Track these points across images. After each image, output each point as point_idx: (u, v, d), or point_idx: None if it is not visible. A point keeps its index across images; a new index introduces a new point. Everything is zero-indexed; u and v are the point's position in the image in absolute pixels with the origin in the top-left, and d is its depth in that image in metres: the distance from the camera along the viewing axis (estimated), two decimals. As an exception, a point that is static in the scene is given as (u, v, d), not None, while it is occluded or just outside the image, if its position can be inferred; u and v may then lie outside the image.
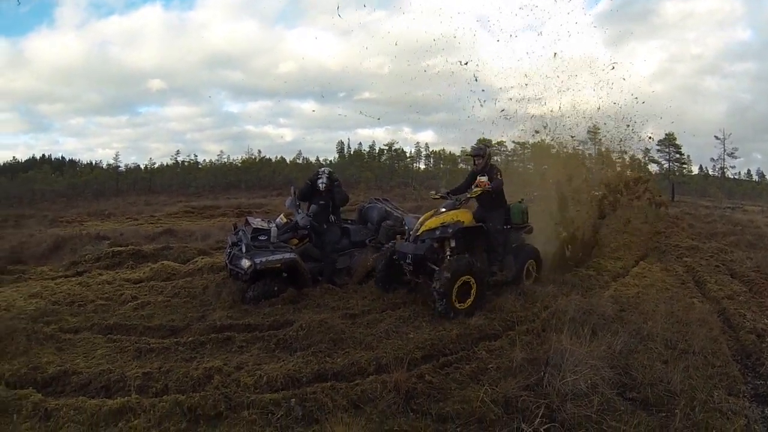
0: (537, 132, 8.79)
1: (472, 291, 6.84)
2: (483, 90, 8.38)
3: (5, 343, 5.90)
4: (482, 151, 8.19)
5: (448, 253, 7.17)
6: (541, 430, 3.71)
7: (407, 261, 7.33)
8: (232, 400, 4.32)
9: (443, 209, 7.46)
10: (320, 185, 8.43)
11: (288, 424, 3.98)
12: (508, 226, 8.11)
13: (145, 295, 8.11)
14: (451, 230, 7.16)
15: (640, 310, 6.70)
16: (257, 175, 57.44)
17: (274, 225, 7.98)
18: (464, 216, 7.46)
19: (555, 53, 8.20)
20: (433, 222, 7.26)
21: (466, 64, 8.09)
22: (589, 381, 4.35)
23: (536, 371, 4.58)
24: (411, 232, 7.52)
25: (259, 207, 25.33)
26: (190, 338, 6.03)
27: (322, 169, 8.87)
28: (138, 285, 8.83)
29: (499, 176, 7.81)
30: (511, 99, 8.49)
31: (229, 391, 4.46)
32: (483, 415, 4.00)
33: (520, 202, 8.33)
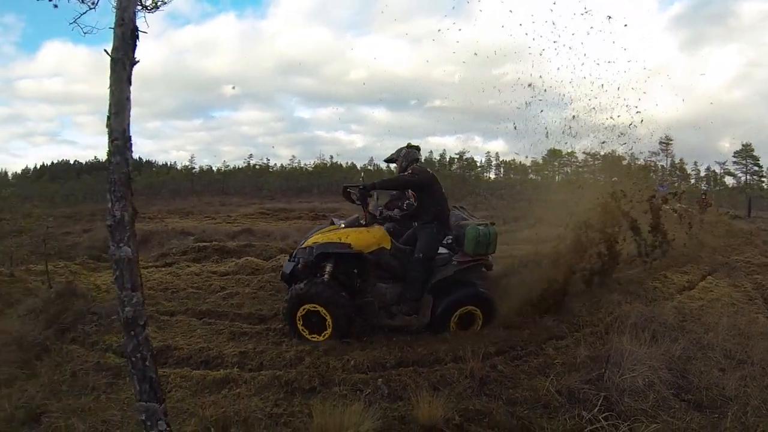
0: (604, 142, 8.47)
1: (327, 322, 6.15)
2: (553, 99, 8.17)
3: (112, 319, 6.70)
4: (395, 155, 7.19)
5: (325, 275, 6.25)
6: (600, 417, 3.99)
7: (280, 279, 7.05)
8: (325, 377, 4.86)
9: (342, 224, 6.89)
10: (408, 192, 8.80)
11: (375, 399, 4.43)
12: (439, 253, 6.61)
13: (233, 286, 8.72)
14: (315, 252, 6.28)
15: (702, 321, 6.70)
16: (329, 180, 58.23)
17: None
18: (364, 236, 6.46)
19: (628, 60, 8.01)
20: (314, 239, 6.52)
21: (530, 86, 8.01)
22: (646, 379, 4.60)
23: (597, 368, 4.85)
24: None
25: (333, 211, 25.98)
26: (278, 325, 6.58)
27: None
28: (225, 277, 9.45)
29: (422, 188, 6.81)
30: (581, 108, 8.11)
31: (321, 370, 4.99)
32: (548, 402, 4.37)
33: (491, 224, 6.71)
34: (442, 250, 6.66)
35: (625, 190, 8.49)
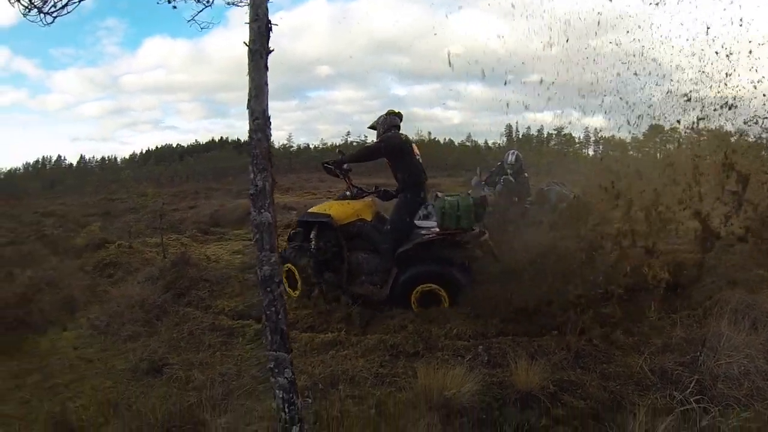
0: (706, 117, 7.67)
1: (297, 281, 6.78)
2: (656, 69, 7.43)
3: (222, 286, 7.31)
4: (375, 123, 6.86)
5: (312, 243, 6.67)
6: (691, 399, 3.91)
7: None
8: (428, 342, 5.07)
9: (341, 198, 7.08)
10: (507, 167, 8.94)
11: (475, 365, 4.57)
12: (402, 225, 6.43)
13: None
14: (297, 220, 7.08)
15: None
16: (427, 157, 57.94)
17: None
18: (345, 208, 6.69)
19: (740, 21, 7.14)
20: (314, 208, 6.99)
21: (634, 55, 7.34)
22: (742, 367, 4.40)
23: (692, 350, 4.71)
24: None
25: (432, 186, 26.04)
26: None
27: (512, 150, 9.34)
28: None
29: (388, 153, 6.56)
30: (687, 80, 7.36)
31: (424, 336, 5.21)
32: (640, 380, 4.36)
33: (466, 195, 6.43)
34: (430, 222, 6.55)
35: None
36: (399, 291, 6.16)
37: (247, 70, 2.79)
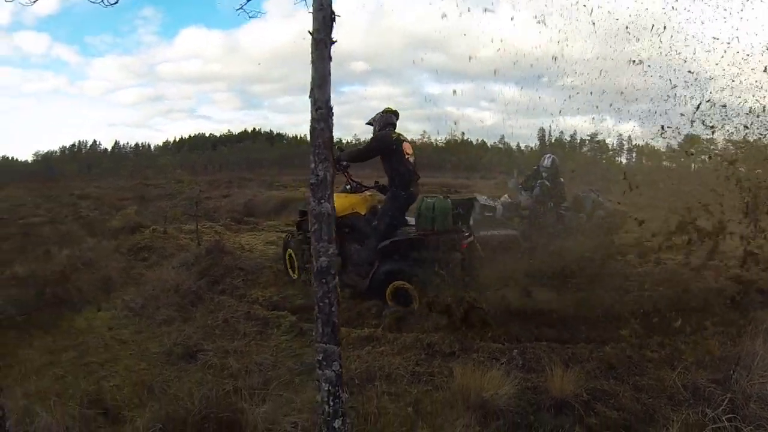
0: (746, 127, 7.27)
1: (296, 265, 7.38)
2: (691, 76, 7.06)
3: (256, 275, 7.36)
4: (373, 119, 7.06)
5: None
6: (723, 418, 3.83)
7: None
8: (463, 343, 5.05)
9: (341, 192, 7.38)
10: (542, 170, 8.91)
11: (510, 369, 4.52)
12: (387, 221, 6.58)
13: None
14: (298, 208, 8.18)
15: None
16: (460, 157, 57.70)
17: (499, 203, 8.68)
18: (341, 201, 6.73)
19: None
20: None
21: (668, 51, 6.93)
22: None
23: (726, 368, 4.60)
24: None
25: (464, 187, 25.90)
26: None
27: (548, 154, 9.30)
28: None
29: (380, 150, 6.74)
30: (723, 88, 7.01)
31: (460, 337, 5.19)
32: (672, 394, 4.29)
33: (446, 197, 6.71)
34: None
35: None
36: (376, 285, 6.40)
37: (311, 59, 2.78)
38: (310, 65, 2.78)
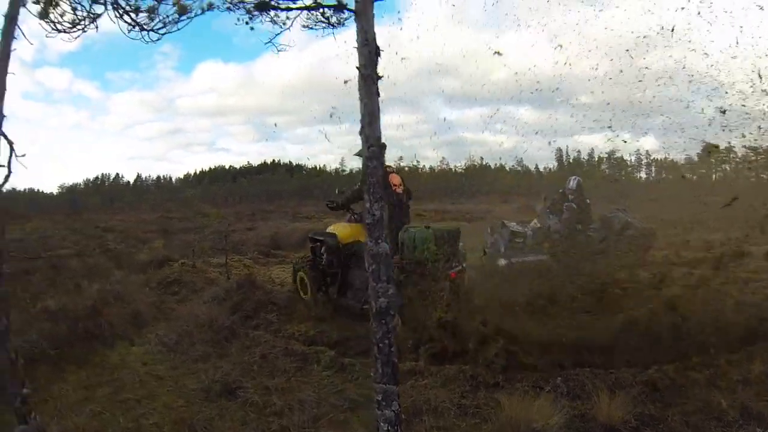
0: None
1: (307, 286, 7.86)
2: (706, 87, 6.86)
3: (290, 310, 7.30)
4: (361, 152, 7.24)
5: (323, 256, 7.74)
6: None
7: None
8: (507, 373, 4.99)
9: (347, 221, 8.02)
10: (569, 193, 8.86)
11: (555, 397, 4.47)
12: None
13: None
14: (309, 236, 8.67)
15: None
16: (479, 182, 57.64)
17: (529, 229, 8.63)
18: (347, 230, 7.72)
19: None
20: (330, 228, 8.08)
21: (683, 67, 6.73)
22: None
23: None
24: None
25: (487, 213, 25.88)
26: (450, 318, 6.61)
27: (573, 177, 9.28)
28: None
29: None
30: (740, 94, 6.81)
31: (506, 365, 5.12)
32: (720, 415, 4.21)
33: (427, 227, 6.85)
34: None
35: None
36: (366, 309, 6.36)
37: (359, 96, 2.77)
38: (359, 102, 2.76)
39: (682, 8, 6.38)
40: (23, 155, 3.48)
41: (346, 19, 3.92)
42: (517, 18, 6.92)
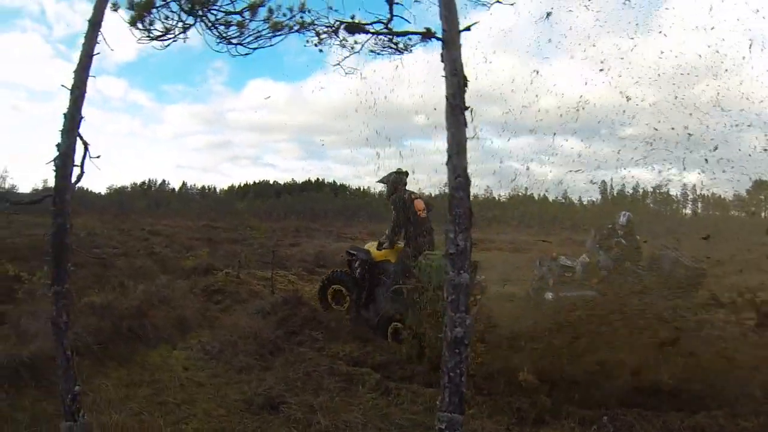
0: None
1: (345, 299, 8.34)
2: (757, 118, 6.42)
3: (336, 330, 7.27)
4: (386, 179, 8.34)
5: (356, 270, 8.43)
6: None
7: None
8: (552, 409, 4.93)
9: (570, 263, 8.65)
10: (618, 228, 8.77)
11: None
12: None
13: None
14: (346, 251, 9.41)
15: None
16: (522, 212, 57.05)
17: (578, 263, 8.54)
18: (373, 249, 8.29)
19: None
20: (367, 246, 8.65)
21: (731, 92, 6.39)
22: None
23: None
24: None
25: (532, 245, 25.69)
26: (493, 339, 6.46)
27: (623, 212, 9.16)
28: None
29: (396, 211, 7.88)
30: None
31: (552, 400, 5.05)
32: None
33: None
34: None
35: None
36: (382, 324, 7.53)
37: (446, 125, 2.78)
38: (446, 131, 2.77)
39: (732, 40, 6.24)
40: (98, 156, 3.59)
41: (413, 45, 3.98)
42: (563, 46, 6.84)
